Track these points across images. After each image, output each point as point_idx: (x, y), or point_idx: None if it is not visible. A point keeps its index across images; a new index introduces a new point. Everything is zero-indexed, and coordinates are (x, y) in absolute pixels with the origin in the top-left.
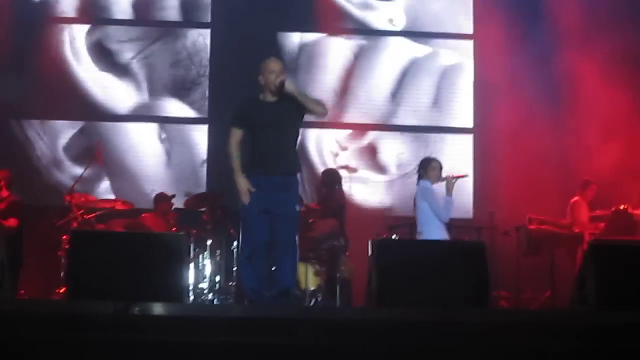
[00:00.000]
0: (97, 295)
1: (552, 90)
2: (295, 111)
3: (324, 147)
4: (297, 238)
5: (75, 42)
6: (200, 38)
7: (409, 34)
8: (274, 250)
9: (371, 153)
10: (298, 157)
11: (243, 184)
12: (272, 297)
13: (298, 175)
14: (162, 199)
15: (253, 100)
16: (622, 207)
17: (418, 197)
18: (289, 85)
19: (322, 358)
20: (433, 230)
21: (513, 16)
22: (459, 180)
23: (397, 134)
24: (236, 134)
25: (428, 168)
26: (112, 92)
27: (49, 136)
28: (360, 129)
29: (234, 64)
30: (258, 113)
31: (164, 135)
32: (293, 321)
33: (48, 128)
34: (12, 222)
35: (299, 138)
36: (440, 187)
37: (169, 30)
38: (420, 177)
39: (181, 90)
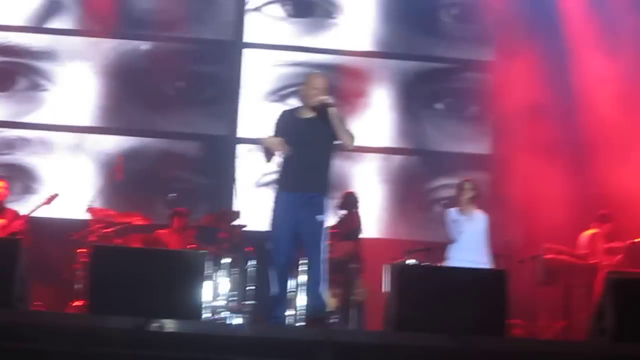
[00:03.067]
0: (116, 309)
1: (572, 119)
2: (331, 131)
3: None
4: (324, 254)
5: None
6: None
7: (427, 58)
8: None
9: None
10: (329, 177)
11: (273, 140)
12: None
13: (326, 197)
14: (178, 215)
15: (290, 114)
16: (639, 239)
17: None
18: (332, 108)
19: None
20: (454, 255)
21: (535, 49)
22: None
23: (408, 158)
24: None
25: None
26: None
27: None
28: (371, 151)
29: None
30: (292, 128)
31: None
32: (309, 342)
33: None
34: None
35: (333, 159)
36: None
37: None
38: None
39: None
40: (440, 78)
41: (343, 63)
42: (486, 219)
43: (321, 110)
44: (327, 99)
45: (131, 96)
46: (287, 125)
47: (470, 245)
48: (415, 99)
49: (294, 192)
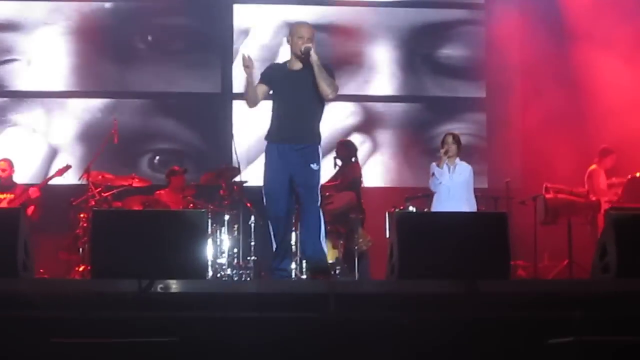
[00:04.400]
0: (120, 273)
1: (568, 53)
2: None
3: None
4: (319, 203)
5: None
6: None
7: (416, 3)
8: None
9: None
10: (319, 128)
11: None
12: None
13: (319, 147)
14: (174, 174)
15: (279, 66)
16: (638, 174)
17: None
18: (313, 55)
19: (343, 332)
20: (435, 206)
21: None
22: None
23: (405, 105)
24: (260, 87)
25: None
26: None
27: None
28: (369, 100)
29: None
30: (281, 80)
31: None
32: (312, 295)
33: None
34: None
35: (323, 109)
36: None
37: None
38: None
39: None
40: (436, 29)
41: (339, 17)
42: (469, 169)
43: (306, 59)
44: (310, 47)
45: (113, 56)
46: (276, 77)
47: (448, 196)
48: (413, 49)
49: (285, 144)
